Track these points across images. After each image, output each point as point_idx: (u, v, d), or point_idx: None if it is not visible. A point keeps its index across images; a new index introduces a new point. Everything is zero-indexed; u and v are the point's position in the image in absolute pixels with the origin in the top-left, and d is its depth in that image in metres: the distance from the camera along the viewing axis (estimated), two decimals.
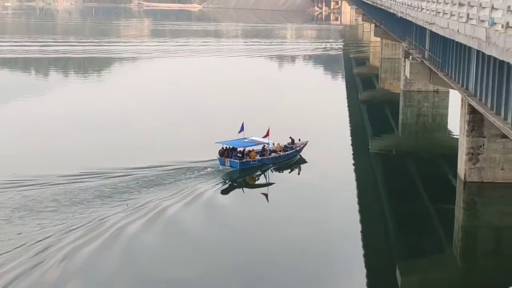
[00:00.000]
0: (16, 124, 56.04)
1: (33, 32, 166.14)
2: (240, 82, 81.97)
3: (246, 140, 43.01)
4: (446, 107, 61.32)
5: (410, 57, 47.92)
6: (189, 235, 31.44)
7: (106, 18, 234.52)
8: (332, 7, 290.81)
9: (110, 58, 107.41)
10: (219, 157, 41.68)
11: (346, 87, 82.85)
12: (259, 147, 43.38)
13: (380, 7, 70.94)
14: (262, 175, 41.54)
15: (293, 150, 44.48)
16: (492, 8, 24.13)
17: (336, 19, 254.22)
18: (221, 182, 39.05)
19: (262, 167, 42.34)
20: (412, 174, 43.78)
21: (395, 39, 69.51)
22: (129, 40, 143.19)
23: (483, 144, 36.74)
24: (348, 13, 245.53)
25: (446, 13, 32.76)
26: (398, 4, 52.70)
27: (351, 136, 54.05)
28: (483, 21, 25.51)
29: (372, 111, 66.60)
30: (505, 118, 25.81)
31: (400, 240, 32.04)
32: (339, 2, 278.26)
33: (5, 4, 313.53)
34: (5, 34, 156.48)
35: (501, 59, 22.92)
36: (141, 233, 30.94)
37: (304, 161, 44.57)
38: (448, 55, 36.62)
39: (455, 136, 47.62)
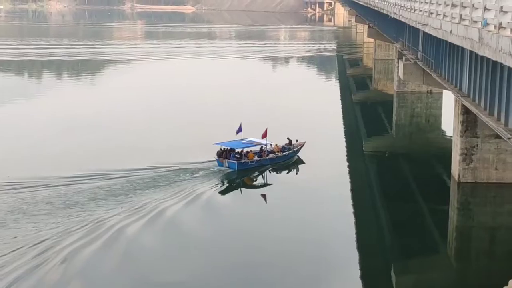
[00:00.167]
0: (9, 127, 55.92)
1: (26, 35, 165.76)
2: (235, 83, 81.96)
3: (244, 141, 43.12)
4: (440, 108, 61.44)
5: (404, 58, 48.04)
6: (187, 236, 31.46)
7: (99, 21, 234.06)
8: (325, 9, 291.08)
9: (103, 61, 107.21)
10: (217, 158, 41.78)
11: (340, 88, 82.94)
12: (257, 148, 43.48)
13: (373, 8, 71.03)
14: (260, 176, 41.67)
15: (290, 151, 44.59)
16: (485, 9, 24.20)
17: (330, 20, 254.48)
18: (219, 183, 39.13)
19: (260, 168, 42.48)
20: (406, 174, 43.86)
21: (388, 40, 69.61)
22: (122, 42, 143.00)
23: (477, 145, 36.83)
24: (341, 15, 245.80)
25: (439, 14, 32.83)
26: (391, 5, 52.78)
27: (345, 137, 54.10)
28: (476, 21, 25.58)
29: (365, 112, 66.70)
30: (499, 119, 25.88)
31: (395, 241, 32.09)
32: (332, 3, 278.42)
33: None
34: None
35: (494, 59, 22.99)
36: (139, 235, 30.92)
37: (301, 162, 44.67)
38: (441, 56, 36.71)
39: (448, 137, 47.73)
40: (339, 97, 75.75)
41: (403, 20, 46.42)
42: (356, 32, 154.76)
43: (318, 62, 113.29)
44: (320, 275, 27.33)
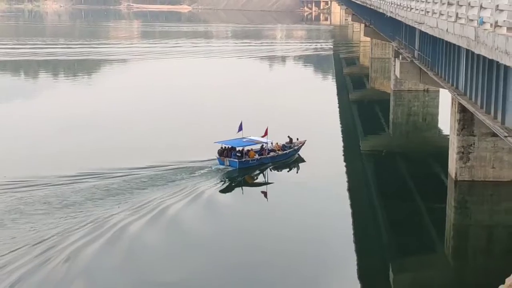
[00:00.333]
0: (5, 127, 55.82)
1: (22, 35, 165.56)
2: (232, 83, 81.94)
3: (244, 140, 43.28)
4: (437, 106, 61.47)
5: (400, 56, 48.06)
6: (188, 235, 31.57)
7: (95, 20, 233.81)
8: (321, 8, 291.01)
9: (100, 60, 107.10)
10: (218, 156, 41.96)
11: (337, 87, 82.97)
12: (258, 147, 43.66)
13: (369, 7, 71.03)
14: (261, 174, 41.85)
15: (291, 149, 44.75)
16: (481, 7, 24.24)
17: (326, 19, 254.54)
18: (220, 182, 39.28)
19: (261, 166, 42.69)
20: (403, 173, 43.90)
21: (385, 38, 69.64)
22: (119, 42, 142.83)
23: (474, 143, 36.86)
24: (338, 13, 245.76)
25: (435, 13, 32.86)
26: (388, 3, 52.80)
27: (342, 135, 54.14)
28: (472, 20, 25.62)
29: (362, 110, 66.74)
30: (495, 117, 25.92)
31: (392, 239, 32.12)
32: (329, 2, 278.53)
33: None
34: None
35: (490, 58, 23.01)
36: (140, 233, 30.99)
37: (302, 160, 44.84)
38: (437, 55, 36.75)
39: (445, 135, 47.75)
40: (336, 96, 75.79)
41: (399, 18, 46.45)
42: (353, 31, 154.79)
43: (315, 61, 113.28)
44: (318, 274, 27.33)
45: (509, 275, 13.95)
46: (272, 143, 44.53)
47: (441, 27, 30.97)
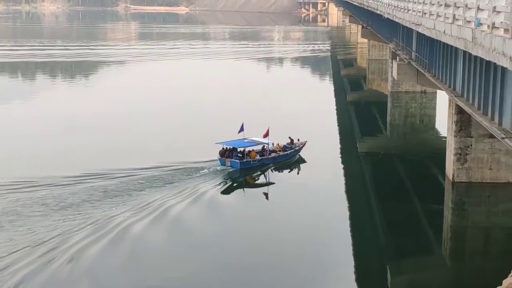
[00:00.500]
0: (2, 128, 55.75)
1: (19, 36, 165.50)
2: (230, 84, 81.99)
3: (246, 141, 43.43)
4: (434, 108, 61.52)
5: (397, 58, 48.08)
6: (190, 235, 31.67)
7: (93, 22, 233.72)
8: (319, 9, 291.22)
9: (98, 62, 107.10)
10: (220, 157, 42.09)
11: (334, 88, 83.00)
12: (259, 147, 43.80)
13: (367, 8, 71.08)
14: (262, 175, 41.97)
15: (292, 150, 44.89)
16: (478, 9, 24.23)
17: (323, 20, 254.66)
18: (222, 182, 39.40)
19: (262, 167, 42.82)
20: (401, 174, 43.91)
21: (382, 40, 69.68)
22: (117, 44, 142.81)
23: (471, 144, 36.87)
24: (335, 15, 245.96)
25: (433, 14, 32.86)
26: (385, 5, 52.83)
27: (339, 137, 54.14)
28: (469, 21, 25.61)
29: (360, 112, 66.77)
30: (492, 118, 25.93)
31: (390, 241, 32.11)
32: (326, 4, 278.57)
33: None
34: None
35: (487, 59, 23.02)
36: (142, 233, 31.08)
37: (303, 161, 44.97)
38: (435, 56, 36.76)
39: (443, 137, 47.79)
40: (334, 97, 75.81)
41: (396, 20, 46.47)
42: (350, 33, 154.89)
43: (313, 63, 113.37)
44: (316, 276, 27.31)
45: (506, 277, 13.95)
46: (273, 144, 44.65)
47: (438, 29, 30.97)
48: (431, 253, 30.92)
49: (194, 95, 74.18)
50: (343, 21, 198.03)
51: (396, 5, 46.79)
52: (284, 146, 45.18)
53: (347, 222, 33.64)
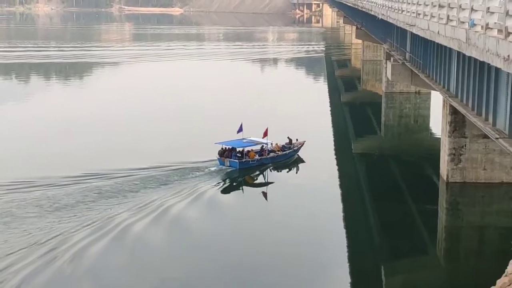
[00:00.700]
0: None
1: (13, 37, 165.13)
2: (225, 85, 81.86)
3: (245, 141, 43.60)
4: (428, 108, 61.62)
5: (392, 58, 48.14)
6: (190, 234, 31.78)
7: (87, 23, 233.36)
8: (313, 10, 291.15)
9: (92, 63, 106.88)
10: (219, 157, 42.23)
11: (329, 89, 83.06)
12: (258, 147, 43.99)
13: (361, 9, 71.17)
14: (261, 175, 42.16)
15: (291, 150, 45.08)
16: (472, 9, 24.31)
17: (318, 21, 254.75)
18: (221, 182, 39.58)
19: (261, 166, 43.00)
20: (395, 175, 43.97)
21: (376, 41, 69.78)
22: (111, 45, 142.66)
23: (465, 145, 36.95)
24: (329, 16, 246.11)
25: (427, 15, 32.94)
26: (379, 6, 52.91)
27: (334, 137, 54.18)
28: (463, 22, 25.69)
29: (354, 112, 66.84)
30: (486, 119, 26.00)
31: (384, 241, 32.14)
32: (320, 4, 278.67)
33: None
34: None
35: (481, 60, 23.09)
36: (143, 232, 31.18)
37: (301, 161, 45.10)
38: (429, 57, 36.84)
39: (437, 137, 47.87)
40: (328, 98, 75.85)
41: (390, 21, 46.55)
42: (344, 33, 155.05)
43: (307, 64, 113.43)
44: (310, 276, 27.33)
45: (500, 277, 13.98)
46: (272, 143, 44.80)
47: (432, 29, 31.04)
48: (426, 253, 30.96)
49: (190, 96, 74.12)
50: (337, 22, 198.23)
51: (390, 6, 46.87)
52: (283, 146, 45.35)
53: (342, 223, 33.66)
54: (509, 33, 19.90)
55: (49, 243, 29.40)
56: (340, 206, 36.41)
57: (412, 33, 39.60)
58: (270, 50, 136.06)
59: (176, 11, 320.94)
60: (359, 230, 33.62)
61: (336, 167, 44.74)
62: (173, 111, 63.91)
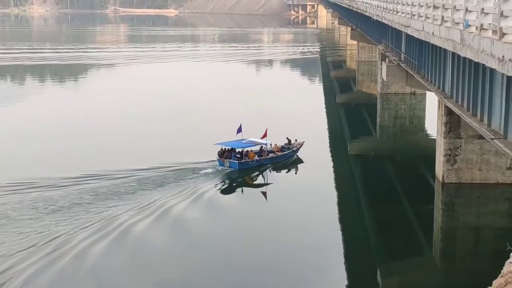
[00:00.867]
0: None
1: (8, 39, 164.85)
2: (221, 86, 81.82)
3: (244, 141, 43.74)
4: (423, 109, 61.64)
5: (387, 59, 48.15)
6: (190, 235, 31.85)
7: (82, 24, 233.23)
8: (308, 11, 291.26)
9: (87, 65, 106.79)
10: (218, 158, 42.37)
11: (324, 90, 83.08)
12: (257, 148, 44.12)
13: (356, 10, 71.23)
14: (261, 175, 42.30)
15: (290, 151, 45.21)
16: (466, 10, 24.34)
17: (313, 22, 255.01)
18: (221, 182, 39.72)
19: (261, 167, 43.13)
20: (391, 176, 43.99)
21: (371, 42, 69.83)
22: (106, 46, 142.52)
23: (460, 146, 36.99)
24: (324, 17, 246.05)
25: (421, 16, 32.98)
26: (374, 7, 52.94)
27: (329, 139, 54.21)
28: (457, 23, 25.71)
29: (350, 113, 66.85)
30: (481, 119, 26.02)
31: (380, 242, 32.15)
32: (315, 6, 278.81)
33: None
34: None
35: (476, 60, 23.11)
36: (144, 232, 31.25)
37: (300, 161, 45.23)
38: (424, 57, 36.87)
39: (432, 138, 47.88)
40: (323, 99, 75.86)
41: (385, 22, 46.59)
42: (339, 34, 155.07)
43: (302, 65, 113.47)
44: (305, 277, 27.31)
45: (496, 277, 13.95)
46: (271, 144, 44.91)
47: (427, 30, 31.07)
48: (421, 254, 30.97)
49: (187, 97, 74.11)
50: (332, 23, 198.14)
51: (385, 7, 46.90)
52: (282, 146, 45.46)
53: (338, 224, 33.65)
54: (503, 34, 19.91)
55: (46, 245, 29.35)
56: (336, 207, 36.40)
57: (407, 34, 39.62)
58: (265, 51, 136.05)
59: (171, 12, 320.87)
60: (355, 231, 33.61)
61: (332, 169, 44.72)
62: (169, 113, 63.81)
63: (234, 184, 40.39)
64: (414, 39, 37.44)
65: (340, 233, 32.45)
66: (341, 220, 34.21)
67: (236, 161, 42.07)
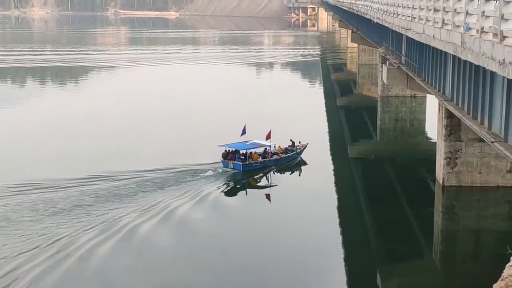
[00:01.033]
0: None
1: (9, 41, 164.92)
2: (223, 89, 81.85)
3: (248, 143, 43.95)
4: (424, 112, 61.66)
5: (387, 62, 48.15)
6: (194, 236, 31.97)
7: (82, 27, 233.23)
8: (308, 14, 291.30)
9: (89, 67, 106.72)
10: (223, 159, 42.51)
11: (324, 93, 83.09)
12: (261, 150, 44.25)
13: (356, 13, 71.21)
14: (264, 177, 42.45)
15: (293, 152, 45.36)
16: (467, 13, 24.34)
17: (313, 25, 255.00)
18: (225, 184, 39.90)
19: (264, 169, 43.30)
20: (391, 179, 43.99)
21: (372, 44, 69.84)
22: (107, 49, 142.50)
23: (461, 149, 36.99)
24: (325, 20, 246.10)
25: (422, 19, 32.97)
26: (374, 10, 52.94)
27: (329, 141, 54.21)
28: (458, 26, 25.72)
29: (350, 116, 66.84)
30: (482, 122, 26.03)
31: (380, 245, 32.15)
32: (316, 8, 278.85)
33: None
34: None
35: (476, 63, 23.10)
36: (148, 232, 31.42)
37: (304, 163, 45.37)
38: (424, 60, 36.88)
39: (432, 141, 47.89)
40: (324, 102, 75.85)
41: (386, 25, 46.57)
42: (340, 37, 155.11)
43: (302, 67, 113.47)
44: (307, 279, 27.31)
45: (496, 281, 13.95)
46: (275, 146, 45.02)
47: (428, 33, 31.07)
48: (422, 257, 30.97)
49: (188, 99, 74.22)
50: (332, 25, 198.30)
51: (385, 9, 46.90)
52: (286, 148, 45.57)
53: (339, 226, 33.66)
54: (504, 37, 19.93)
55: (48, 247, 29.34)
56: (336, 210, 36.41)
57: (407, 37, 39.62)
58: (266, 54, 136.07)
59: (171, 15, 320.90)
60: (355, 233, 33.61)
61: (332, 172, 44.73)
62: (171, 115, 63.82)
63: (238, 186, 40.54)
64: (415, 42, 37.44)
65: (340, 235, 32.45)
66: (342, 223, 34.23)
67: (240, 163, 42.26)
